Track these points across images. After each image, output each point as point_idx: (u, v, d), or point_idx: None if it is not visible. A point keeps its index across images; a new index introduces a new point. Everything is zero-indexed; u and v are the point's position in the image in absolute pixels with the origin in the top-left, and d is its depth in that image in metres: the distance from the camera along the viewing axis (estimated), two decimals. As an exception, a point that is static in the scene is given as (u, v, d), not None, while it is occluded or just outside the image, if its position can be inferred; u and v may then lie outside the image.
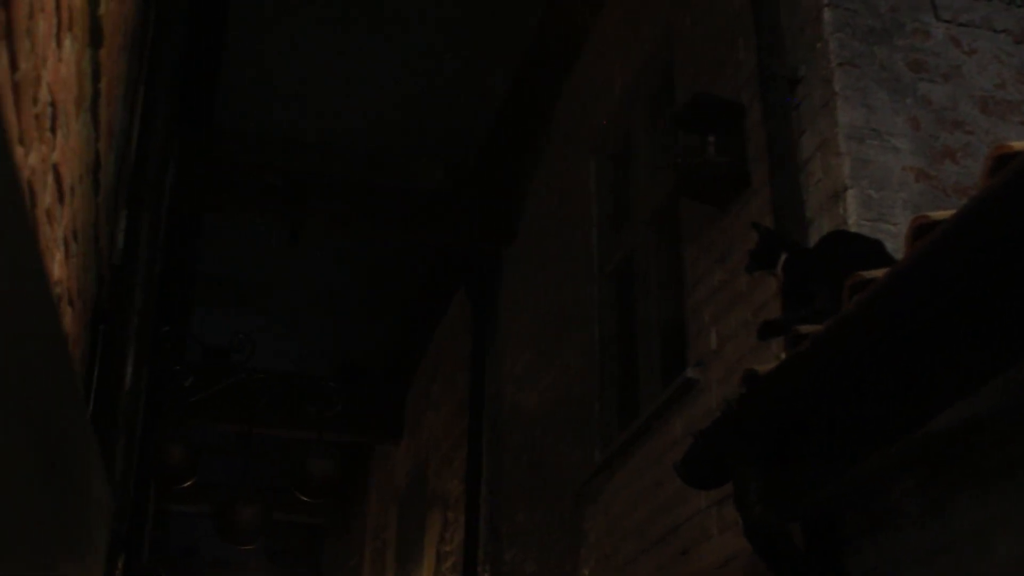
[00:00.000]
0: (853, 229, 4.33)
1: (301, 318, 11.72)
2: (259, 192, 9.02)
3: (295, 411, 11.47)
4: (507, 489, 8.47)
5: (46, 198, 2.54)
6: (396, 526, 12.70)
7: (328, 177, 9.15)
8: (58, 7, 2.38)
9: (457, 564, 9.32)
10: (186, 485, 8.84)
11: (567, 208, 7.93)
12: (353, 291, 11.44)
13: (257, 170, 9.02)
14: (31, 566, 1.24)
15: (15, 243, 1.26)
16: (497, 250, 9.49)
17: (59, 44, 2.53)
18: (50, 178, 2.57)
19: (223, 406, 10.80)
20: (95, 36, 3.04)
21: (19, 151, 1.91)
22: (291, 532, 18.31)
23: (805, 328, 3.58)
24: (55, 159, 2.63)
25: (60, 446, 1.39)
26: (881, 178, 4.55)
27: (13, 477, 1.16)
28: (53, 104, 2.52)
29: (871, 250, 3.85)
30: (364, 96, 9.00)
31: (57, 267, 2.74)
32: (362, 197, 9.24)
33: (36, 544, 1.25)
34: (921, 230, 3.01)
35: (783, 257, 4.13)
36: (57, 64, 2.53)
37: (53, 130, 2.56)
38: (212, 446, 11.06)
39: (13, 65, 1.95)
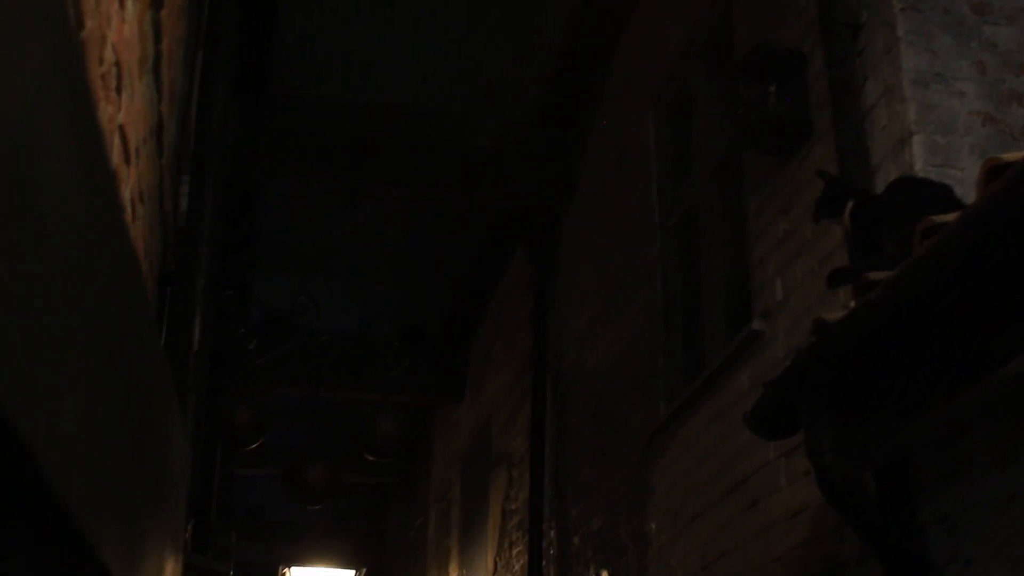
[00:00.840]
0: (919, 175, 4.27)
1: (362, 281, 11.75)
2: (317, 156, 9.04)
3: (359, 373, 11.54)
4: (572, 446, 8.48)
5: (113, 158, 2.55)
6: (460, 486, 12.75)
7: (385, 139, 9.15)
8: (120, -35, 2.38)
9: (523, 521, 9.34)
10: (253, 447, 8.91)
11: (627, 163, 7.89)
12: (413, 252, 11.46)
13: (314, 134, 9.04)
14: (120, 517, 1.24)
15: (99, 198, 1.26)
16: (557, 207, 9.45)
17: (122, 4, 2.54)
18: (116, 139, 2.58)
19: (287, 369, 10.87)
20: (156, -4, 3.04)
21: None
22: (356, 494, 18.44)
23: (875, 275, 3.54)
24: (121, 120, 2.63)
25: (143, 396, 1.39)
26: (947, 123, 4.48)
27: (102, 426, 1.16)
28: (118, 64, 2.53)
29: (940, 195, 3.80)
30: (419, 57, 8.98)
31: (125, 228, 2.75)
32: (420, 158, 9.24)
33: (124, 493, 1.26)
34: (994, 172, 2.97)
35: (850, 205, 4.08)
36: (120, 24, 2.53)
37: (118, 90, 2.56)
38: (277, 410, 11.14)
39: (79, 23, 1.95)
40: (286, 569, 11.01)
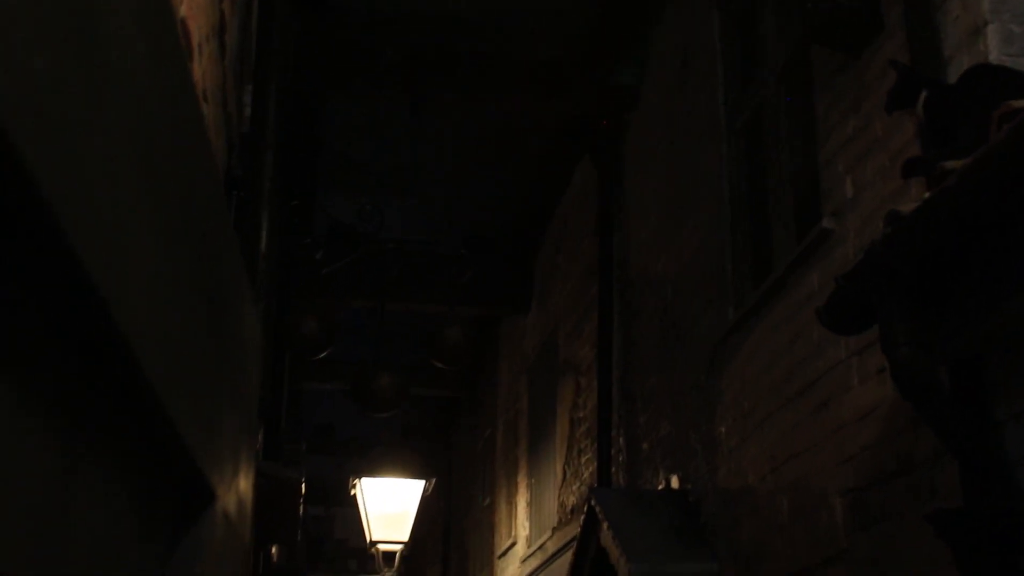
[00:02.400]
0: (995, 63, 4.17)
1: (426, 194, 11.74)
2: (378, 69, 9.00)
3: (425, 285, 11.57)
4: (639, 353, 8.46)
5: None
6: (528, 396, 12.80)
7: (446, 50, 9.08)
8: None
9: (591, 429, 9.36)
10: (321, 356, 8.96)
11: (691, 67, 7.79)
12: (477, 164, 11.42)
13: (374, 47, 8.99)
14: (196, 393, 1.23)
15: (175, 85, 1.24)
16: (621, 114, 9.37)
17: None
18: (179, 30, 2.55)
19: (354, 281, 10.91)
20: None
21: None
22: (424, 407, 18.59)
23: (950, 164, 3.47)
24: (182, 13, 2.60)
25: (215, 276, 1.37)
26: (1023, 12, 4.36)
27: (176, 296, 1.15)
28: (179, -46, 2.49)
29: (1017, 82, 3.71)
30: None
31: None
32: (482, 68, 9.18)
33: (198, 370, 1.24)
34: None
35: (923, 95, 3.99)
36: (181, -86, 2.49)
37: (180, -18, 2.53)
38: (345, 325, 11.20)
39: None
40: (356, 480, 11.08)
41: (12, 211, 0.76)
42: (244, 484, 1.56)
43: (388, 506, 11.08)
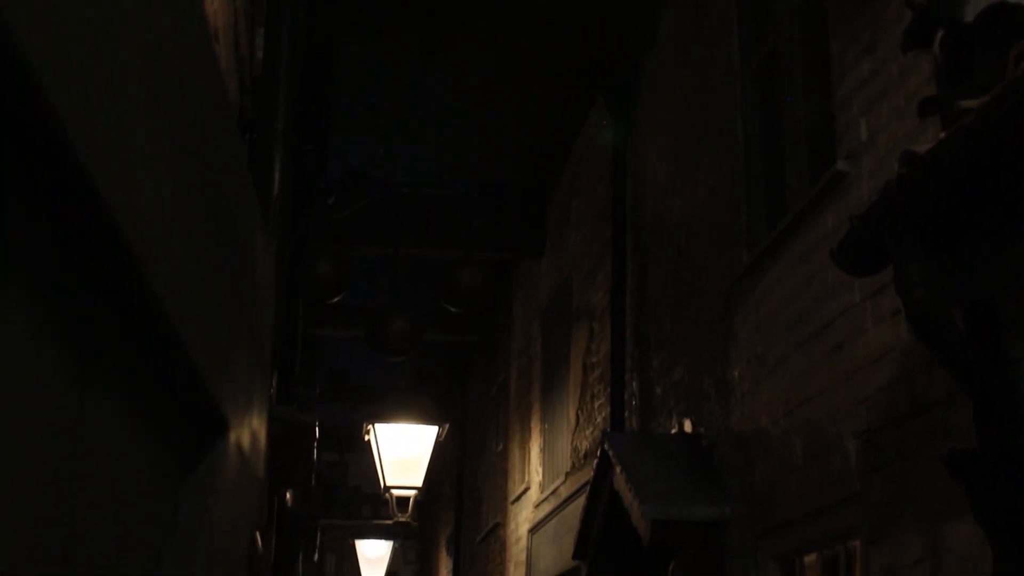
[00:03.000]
0: (1012, 1, 4.12)
1: (440, 139, 11.71)
2: (391, 13, 8.95)
3: (439, 229, 11.56)
4: (653, 297, 8.46)
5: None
6: (541, 341, 12.81)
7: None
8: None
9: (604, 374, 9.38)
10: (335, 301, 8.96)
11: (706, 9, 7.73)
12: (491, 109, 11.37)
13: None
14: (206, 318, 1.23)
15: (186, 15, 1.22)
16: (635, 58, 9.31)
17: None
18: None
19: (367, 227, 10.91)
20: None
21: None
22: (438, 353, 18.62)
23: (966, 103, 3.44)
24: (194, -50, 2.58)
25: (227, 207, 1.36)
26: (1041, -50, 4.32)
27: (192, 242, 1.14)
28: None
29: (1034, 21, 3.66)
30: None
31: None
32: (496, 12, 9.12)
33: (209, 296, 1.24)
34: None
35: (940, 34, 3.95)
36: None
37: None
38: (358, 271, 11.21)
39: None
40: (370, 425, 11.12)
41: (19, 119, 0.75)
42: (257, 420, 1.56)
43: (402, 451, 11.12)
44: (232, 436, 1.31)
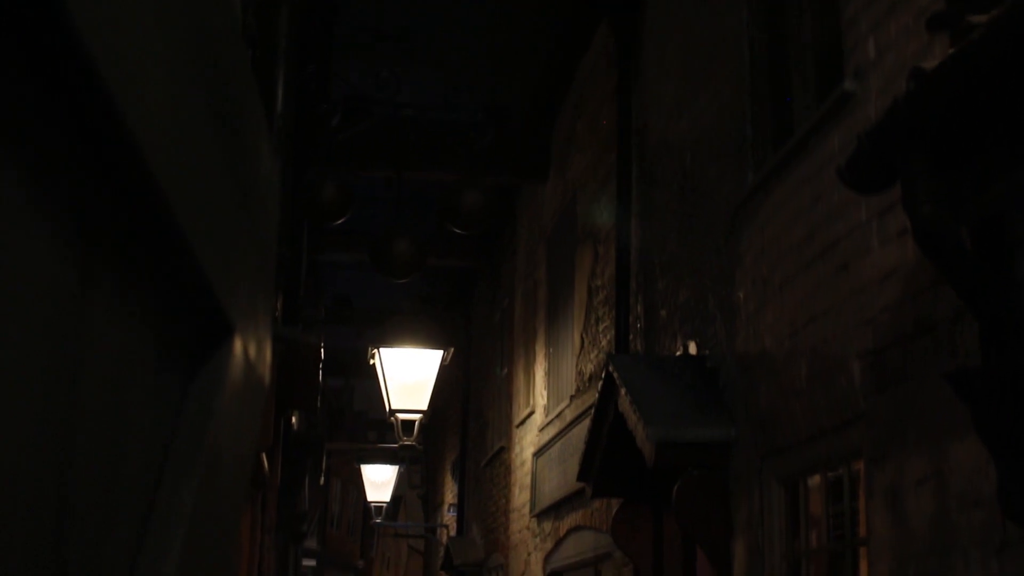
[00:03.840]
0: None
1: (443, 61, 11.63)
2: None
3: (442, 152, 11.51)
4: (658, 220, 8.43)
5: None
6: (546, 265, 12.81)
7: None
8: None
9: (609, 297, 9.38)
10: (339, 223, 8.95)
11: (712, -73, 7.64)
12: (494, 30, 11.29)
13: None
14: (215, 236, 1.21)
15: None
16: (640, -22, 9.23)
17: None
18: None
19: (371, 149, 10.87)
20: None
21: None
22: (443, 278, 18.64)
23: (976, 18, 3.40)
24: None
25: (236, 121, 1.34)
26: None
27: (197, 138, 1.12)
28: None
29: (1046, -66, 3.61)
30: None
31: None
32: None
33: (213, 194, 1.22)
34: None
35: (949, -52, 3.90)
36: None
37: None
38: (363, 195, 11.18)
39: None
40: (375, 350, 11.15)
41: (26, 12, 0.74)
42: (263, 327, 1.55)
43: (407, 376, 11.16)
44: (237, 340, 1.30)
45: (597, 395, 7.58)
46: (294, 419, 10.14)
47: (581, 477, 8.02)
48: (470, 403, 18.73)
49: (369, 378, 13.69)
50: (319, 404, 9.56)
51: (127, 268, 1.05)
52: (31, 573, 0.90)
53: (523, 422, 13.61)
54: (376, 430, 25.18)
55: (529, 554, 12.94)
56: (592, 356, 10.15)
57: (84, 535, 1.00)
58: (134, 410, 1.09)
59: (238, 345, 1.29)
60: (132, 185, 0.96)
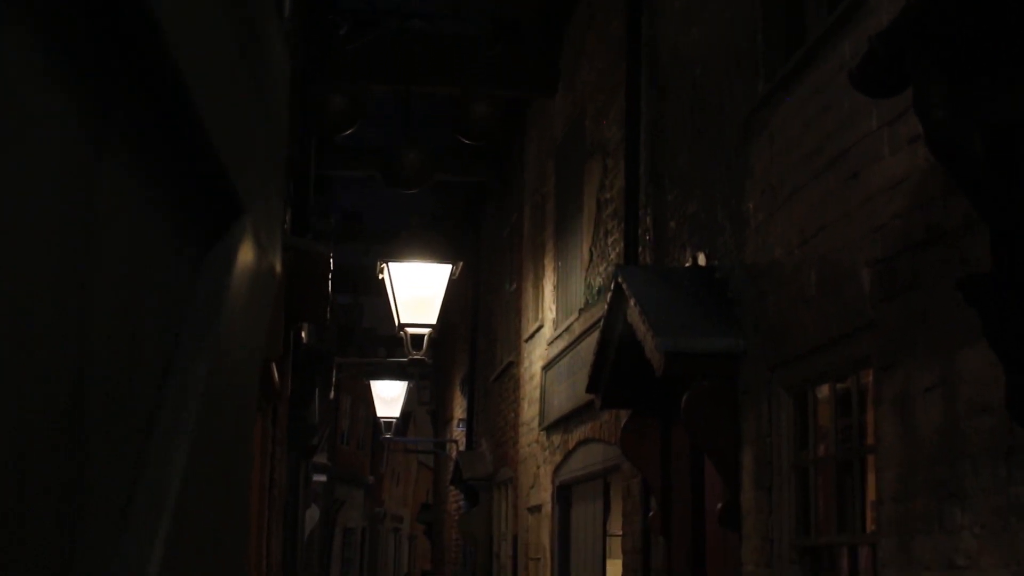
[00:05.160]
0: None
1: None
2: None
3: (451, 67, 11.43)
4: (667, 132, 8.39)
5: None
6: (555, 179, 12.77)
7: None
8: None
9: (618, 210, 9.36)
10: (348, 133, 8.91)
11: None
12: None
13: None
14: (227, 117, 1.20)
15: None
16: None
17: None
18: None
19: (380, 63, 10.78)
20: None
21: None
22: (452, 193, 18.61)
23: (992, -82, 3.36)
24: None
25: (246, 7, 1.33)
26: None
27: (211, 20, 1.11)
28: None
29: None
30: None
31: None
32: None
33: (231, 95, 1.21)
34: None
35: None
36: None
37: None
38: (371, 111, 11.13)
39: None
40: (384, 264, 11.16)
41: None
42: (273, 215, 1.54)
43: (416, 290, 11.18)
44: (248, 221, 1.29)
45: (606, 307, 7.58)
46: (304, 333, 10.18)
47: (590, 389, 8.05)
48: (479, 319, 18.77)
49: (378, 296, 13.72)
50: (328, 317, 9.58)
51: (141, 143, 1.05)
52: (49, 446, 0.90)
53: (532, 336, 13.65)
54: (386, 347, 25.25)
55: (538, 467, 13.03)
56: (601, 269, 10.15)
57: (100, 409, 1.00)
58: (147, 283, 1.09)
59: (248, 225, 1.29)
60: (148, 60, 0.96)
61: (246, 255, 1.28)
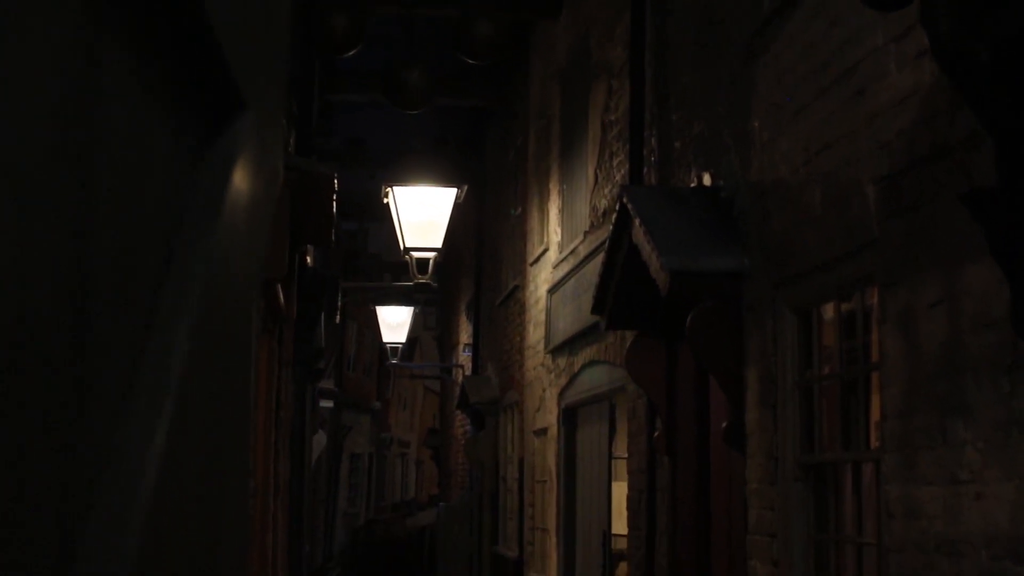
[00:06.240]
0: None
1: None
2: None
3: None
4: (672, 53, 8.35)
5: None
6: (559, 102, 12.72)
7: None
8: None
9: (623, 131, 9.32)
10: (351, 54, 8.86)
11: None
12: None
13: None
14: (231, 17, 1.19)
15: None
16: None
17: None
18: None
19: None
20: None
21: None
22: (456, 118, 18.54)
23: None
24: None
25: None
26: None
27: None
28: None
29: None
30: None
31: None
32: None
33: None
34: None
35: None
36: None
37: None
38: (375, 35, 11.06)
39: None
40: (388, 188, 11.13)
41: None
42: (275, 114, 1.54)
43: (421, 214, 11.16)
44: (250, 117, 1.29)
45: (611, 228, 7.58)
46: (309, 257, 10.19)
47: (595, 310, 8.06)
48: (484, 244, 18.77)
49: (384, 221, 13.71)
50: (334, 241, 9.58)
51: (141, 26, 1.04)
52: (50, 328, 0.91)
53: (537, 260, 13.66)
54: (392, 273, 25.26)
55: (544, 390, 13.09)
56: (606, 191, 10.13)
57: (102, 297, 1.01)
58: (148, 169, 1.09)
59: (251, 120, 1.28)
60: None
61: (249, 151, 1.28)
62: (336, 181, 6.85)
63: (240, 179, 1.24)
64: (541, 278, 13.34)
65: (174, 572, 1.09)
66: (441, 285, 23.25)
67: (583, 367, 11.05)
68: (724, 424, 6.71)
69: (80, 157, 0.93)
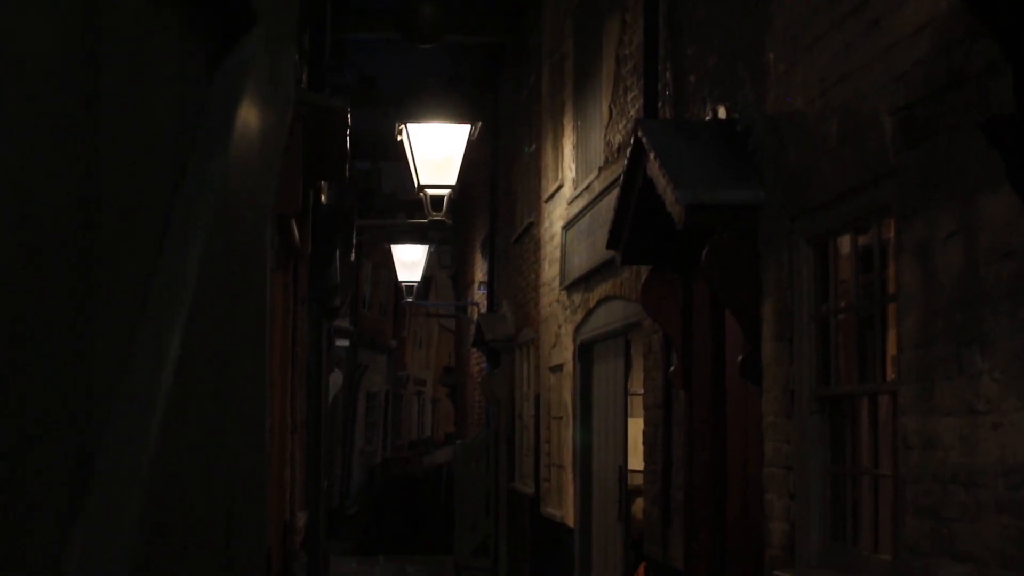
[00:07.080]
0: None
1: None
2: None
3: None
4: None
5: None
6: (573, 38, 12.64)
7: None
8: None
9: (637, 65, 9.27)
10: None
11: None
12: None
13: None
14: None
15: None
16: None
17: None
18: None
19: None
20: None
21: None
22: (469, 56, 18.45)
23: None
24: None
25: None
26: None
27: None
28: None
29: None
30: None
31: None
32: None
33: None
34: None
35: None
36: None
37: None
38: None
39: None
40: (402, 125, 11.10)
41: None
42: (286, 34, 1.52)
43: (435, 151, 11.13)
44: (262, 32, 1.27)
45: (626, 162, 7.55)
46: (323, 194, 10.17)
47: (611, 244, 8.04)
48: (498, 181, 18.72)
49: (398, 161, 13.67)
50: (347, 179, 9.55)
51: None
52: (60, 239, 0.90)
53: (552, 196, 13.62)
54: (406, 211, 25.24)
55: (560, 326, 13.09)
56: (620, 127, 10.09)
57: (114, 207, 1.00)
58: (160, 91, 1.08)
59: (262, 34, 1.27)
60: None
61: (261, 67, 1.27)
62: (349, 116, 6.82)
63: (252, 91, 1.23)
64: (556, 215, 13.32)
65: (187, 487, 1.08)
66: (455, 224, 23.23)
67: (598, 303, 11.05)
68: (740, 358, 6.70)
69: (88, 39, 0.91)
